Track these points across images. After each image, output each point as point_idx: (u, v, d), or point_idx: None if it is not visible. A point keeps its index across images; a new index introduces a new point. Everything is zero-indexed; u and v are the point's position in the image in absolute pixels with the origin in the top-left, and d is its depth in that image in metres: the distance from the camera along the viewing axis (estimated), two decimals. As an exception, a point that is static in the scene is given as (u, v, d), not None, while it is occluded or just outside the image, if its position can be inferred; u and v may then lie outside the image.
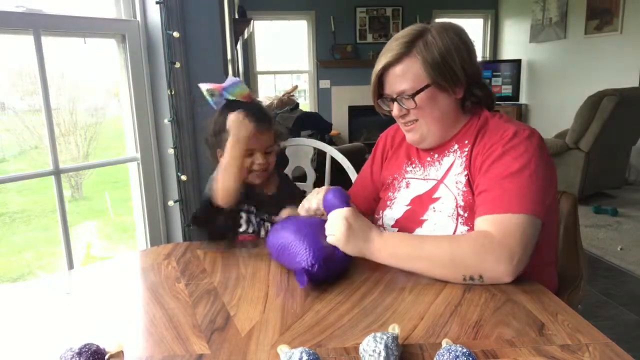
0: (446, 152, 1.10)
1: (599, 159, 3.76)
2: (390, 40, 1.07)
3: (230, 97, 1.17)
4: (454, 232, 1.01)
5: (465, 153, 1.05)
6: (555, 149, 3.81)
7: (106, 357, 0.66)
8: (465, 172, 1.04)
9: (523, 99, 6.38)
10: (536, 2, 5.93)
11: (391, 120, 1.17)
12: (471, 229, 0.99)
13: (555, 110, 5.67)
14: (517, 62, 6.24)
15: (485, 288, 0.86)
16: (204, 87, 1.18)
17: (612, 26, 4.82)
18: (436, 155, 1.12)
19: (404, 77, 1.04)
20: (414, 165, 1.16)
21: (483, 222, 0.92)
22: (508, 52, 6.70)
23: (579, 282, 1.13)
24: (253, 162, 1.20)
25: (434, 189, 1.09)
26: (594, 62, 5.08)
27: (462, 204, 1.02)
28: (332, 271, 0.92)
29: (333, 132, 6.04)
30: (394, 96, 1.07)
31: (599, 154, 3.73)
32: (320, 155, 2.31)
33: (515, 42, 6.50)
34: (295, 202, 1.18)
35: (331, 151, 1.69)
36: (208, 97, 1.19)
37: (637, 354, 0.70)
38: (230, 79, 1.17)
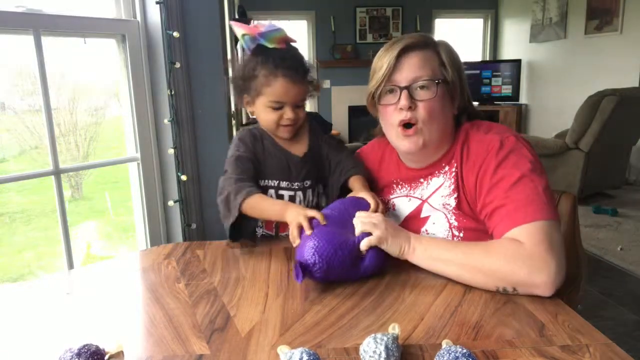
0: (436, 172, 1.06)
1: (599, 159, 3.76)
2: (406, 34, 1.05)
3: (266, 44, 1.07)
4: None
5: (454, 174, 1.02)
6: (555, 149, 3.81)
7: (106, 357, 0.66)
8: (456, 195, 1.01)
9: (523, 99, 6.38)
10: (536, 2, 5.93)
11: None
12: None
13: (555, 110, 5.67)
14: (517, 62, 6.24)
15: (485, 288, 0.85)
16: (239, 31, 1.08)
17: (612, 26, 4.82)
18: (427, 176, 1.08)
19: (424, 65, 0.98)
20: (399, 186, 1.13)
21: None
22: (508, 52, 6.70)
23: (579, 282, 1.13)
24: (282, 116, 1.10)
25: (419, 209, 1.06)
26: (594, 62, 5.07)
27: (455, 224, 1.01)
28: (333, 275, 0.89)
29: (333, 132, 6.03)
30: (403, 84, 0.98)
31: (599, 154, 3.73)
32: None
33: (515, 42, 6.49)
34: (325, 164, 1.17)
35: (331, 151, 1.68)
36: (241, 40, 1.10)
37: (637, 354, 0.70)
38: (269, 25, 1.08)
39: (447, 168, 1.05)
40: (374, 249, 0.92)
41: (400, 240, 0.92)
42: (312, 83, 1.15)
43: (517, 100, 6.30)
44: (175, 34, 1.63)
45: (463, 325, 0.73)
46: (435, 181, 1.06)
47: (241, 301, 0.85)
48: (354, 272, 0.91)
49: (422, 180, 1.09)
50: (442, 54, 1.01)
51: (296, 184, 1.16)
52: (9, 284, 3.38)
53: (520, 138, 0.98)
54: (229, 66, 1.63)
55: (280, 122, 1.11)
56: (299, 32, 6.64)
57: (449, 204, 1.01)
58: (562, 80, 5.62)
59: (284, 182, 1.16)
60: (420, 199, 1.07)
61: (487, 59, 6.94)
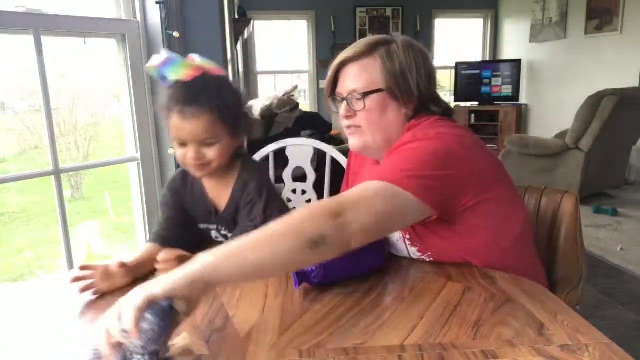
0: None
1: (599, 159, 3.76)
2: (355, 42, 1.04)
3: (171, 76, 0.96)
4: (408, 253, 1.00)
5: None
6: (555, 149, 3.81)
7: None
8: None
9: (523, 99, 6.38)
10: (536, 2, 5.93)
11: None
12: (420, 248, 0.97)
13: (555, 110, 5.67)
14: (517, 62, 6.24)
15: (484, 288, 0.85)
16: (150, 63, 0.97)
17: (612, 26, 4.82)
18: None
19: (359, 76, 1.01)
20: None
21: None
22: (508, 52, 6.70)
23: (579, 282, 1.13)
24: (185, 154, 0.99)
25: None
26: (594, 62, 5.08)
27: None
28: (331, 278, 0.89)
29: (333, 132, 6.04)
30: (345, 95, 1.03)
31: (599, 154, 3.73)
32: (320, 156, 2.31)
33: (515, 42, 6.49)
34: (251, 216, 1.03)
35: (331, 151, 1.69)
36: (153, 75, 0.99)
37: (637, 354, 0.70)
38: (168, 57, 0.95)
39: None
40: (372, 246, 0.91)
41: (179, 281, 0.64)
42: (235, 119, 1.01)
43: (517, 100, 6.30)
44: (175, 34, 1.63)
45: (462, 324, 0.73)
46: None
47: (240, 301, 0.85)
48: (353, 272, 0.91)
49: None
50: (379, 60, 1.00)
51: (223, 228, 1.12)
52: (9, 284, 3.39)
53: (438, 140, 0.91)
54: (229, 66, 1.63)
55: (186, 160, 1.00)
56: (299, 32, 6.65)
57: None
58: (562, 80, 5.62)
59: (212, 225, 1.13)
60: None
61: (487, 59, 6.94)
